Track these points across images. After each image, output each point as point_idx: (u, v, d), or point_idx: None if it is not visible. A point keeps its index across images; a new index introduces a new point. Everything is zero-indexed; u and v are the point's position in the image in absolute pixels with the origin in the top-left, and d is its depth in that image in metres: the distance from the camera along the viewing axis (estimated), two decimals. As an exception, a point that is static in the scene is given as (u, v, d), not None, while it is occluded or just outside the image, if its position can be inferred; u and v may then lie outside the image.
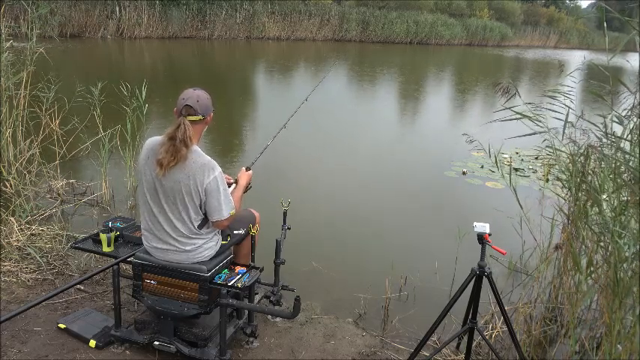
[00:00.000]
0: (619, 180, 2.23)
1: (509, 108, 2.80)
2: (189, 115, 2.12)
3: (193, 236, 2.23)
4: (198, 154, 2.15)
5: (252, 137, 7.56)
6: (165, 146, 2.09)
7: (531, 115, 2.73)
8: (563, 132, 2.62)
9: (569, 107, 2.64)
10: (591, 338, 2.51)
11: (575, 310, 2.50)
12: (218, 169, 2.16)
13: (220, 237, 2.40)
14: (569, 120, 2.63)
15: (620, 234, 2.05)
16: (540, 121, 2.73)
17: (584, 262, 2.53)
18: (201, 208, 2.20)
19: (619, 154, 2.23)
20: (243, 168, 2.59)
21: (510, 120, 2.82)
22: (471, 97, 13.42)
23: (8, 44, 4.20)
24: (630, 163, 2.17)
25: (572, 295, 2.58)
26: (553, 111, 2.77)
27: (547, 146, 2.73)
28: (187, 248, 2.23)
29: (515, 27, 40.51)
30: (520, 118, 2.77)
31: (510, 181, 3.08)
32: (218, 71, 14.51)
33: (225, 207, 2.19)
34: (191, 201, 2.15)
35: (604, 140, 2.35)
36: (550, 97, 2.81)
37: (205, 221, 2.25)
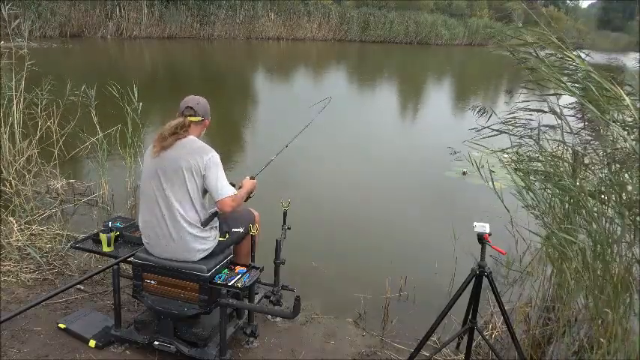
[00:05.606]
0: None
1: (488, 127, 2.89)
2: (190, 115, 2.32)
3: (193, 222, 2.25)
4: (195, 140, 2.31)
5: (253, 142, 7.54)
6: (164, 129, 2.27)
7: (507, 130, 2.82)
8: (539, 141, 2.69)
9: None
10: (590, 337, 2.50)
11: (566, 308, 2.50)
12: (214, 152, 2.29)
13: (218, 232, 2.41)
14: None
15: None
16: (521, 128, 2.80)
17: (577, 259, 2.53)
18: (203, 192, 2.27)
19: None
20: (248, 177, 2.60)
21: (491, 137, 2.90)
22: (471, 97, 13.43)
23: (8, 45, 4.19)
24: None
25: (569, 293, 2.58)
26: (543, 112, 2.81)
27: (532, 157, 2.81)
28: (187, 237, 2.24)
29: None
30: (498, 134, 2.86)
31: (492, 182, 3.12)
32: (217, 70, 14.50)
33: (225, 183, 2.27)
34: (192, 180, 2.21)
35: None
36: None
37: (207, 216, 2.29)
